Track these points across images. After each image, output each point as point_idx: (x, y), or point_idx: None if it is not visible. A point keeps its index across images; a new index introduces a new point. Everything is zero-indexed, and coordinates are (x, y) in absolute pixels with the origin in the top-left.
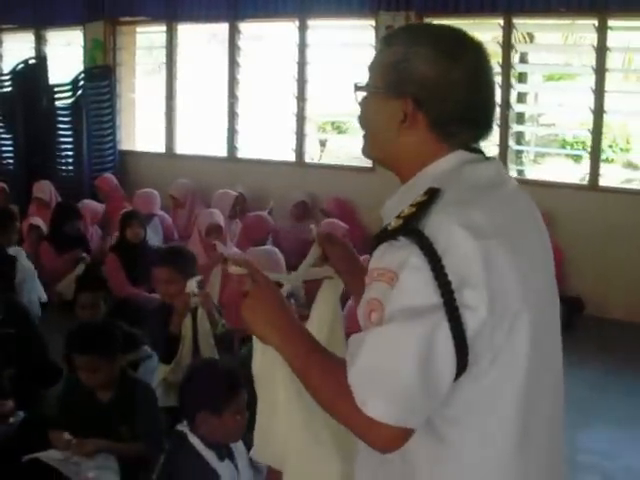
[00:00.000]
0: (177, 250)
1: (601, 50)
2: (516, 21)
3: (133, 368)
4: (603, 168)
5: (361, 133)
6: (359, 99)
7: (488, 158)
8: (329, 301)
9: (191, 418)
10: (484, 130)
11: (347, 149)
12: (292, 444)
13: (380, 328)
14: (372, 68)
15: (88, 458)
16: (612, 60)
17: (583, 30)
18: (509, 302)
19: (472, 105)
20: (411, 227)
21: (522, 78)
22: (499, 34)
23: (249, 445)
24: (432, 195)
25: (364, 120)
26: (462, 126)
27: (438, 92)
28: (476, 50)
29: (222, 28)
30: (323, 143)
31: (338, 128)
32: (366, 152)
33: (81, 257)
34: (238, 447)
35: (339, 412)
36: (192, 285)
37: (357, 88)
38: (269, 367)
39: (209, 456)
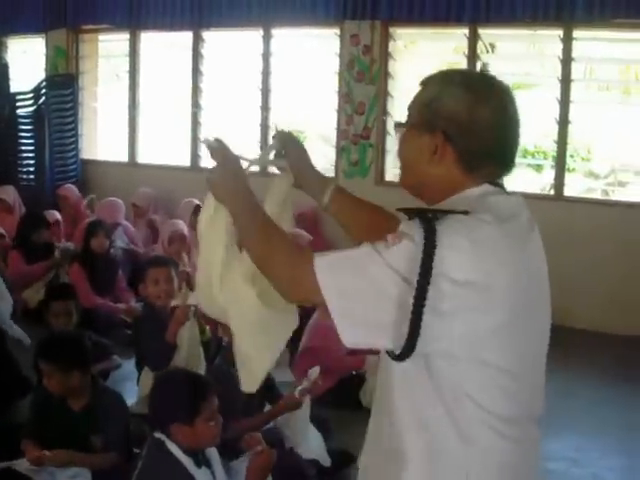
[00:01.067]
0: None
1: (566, 60)
2: (481, 31)
3: (103, 378)
4: (566, 178)
5: (316, 142)
6: (399, 135)
7: (509, 193)
8: (279, 193)
9: (165, 429)
10: (508, 167)
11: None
12: (232, 297)
13: (368, 250)
14: (410, 107)
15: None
16: (575, 70)
17: (548, 40)
18: (500, 319)
19: (497, 143)
20: (427, 218)
21: None
22: (463, 44)
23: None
24: (462, 212)
25: (402, 153)
26: (487, 161)
27: (465, 128)
28: (503, 92)
29: (186, 36)
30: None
31: (300, 134)
32: (402, 181)
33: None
34: (212, 453)
35: (280, 256)
36: (194, 296)
37: (397, 125)
38: (215, 227)
39: (187, 463)
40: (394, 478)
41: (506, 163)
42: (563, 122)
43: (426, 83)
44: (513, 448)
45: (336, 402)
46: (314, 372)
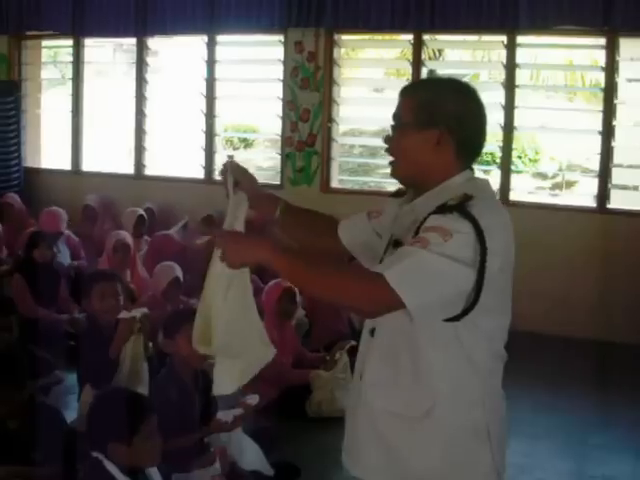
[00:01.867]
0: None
1: (510, 66)
2: (426, 38)
3: (44, 393)
4: (512, 179)
5: (263, 148)
6: (391, 135)
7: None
8: (239, 212)
9: (102, 449)
10: (480, 155)
11: (254, 162)
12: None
13: (431, 255)
14: (400, 111)
15: None
16: (522, 76)
17: (492, 47)
18: (508, 270)
19: (481, 134)
20: (464, 209)
21: None
22: (408, 51)
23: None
24: (469, 196)
25: (401, 148)
26: (473, 150)
27: (462, 122)
28: (476, 92)
29: (130, 42)
30: (230, 157)
31: (245, 142)
32: (397, 173)
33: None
34: (153, 473)
35: (355, 285)
36: (139, 311)
37: (393, 127)
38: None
39: None
40: (424, 416)
41: (480, 151)
42: (508, 127)
43: (411, 92)
44: (500, 366)
45: (281, 413)
46: (253, 399)
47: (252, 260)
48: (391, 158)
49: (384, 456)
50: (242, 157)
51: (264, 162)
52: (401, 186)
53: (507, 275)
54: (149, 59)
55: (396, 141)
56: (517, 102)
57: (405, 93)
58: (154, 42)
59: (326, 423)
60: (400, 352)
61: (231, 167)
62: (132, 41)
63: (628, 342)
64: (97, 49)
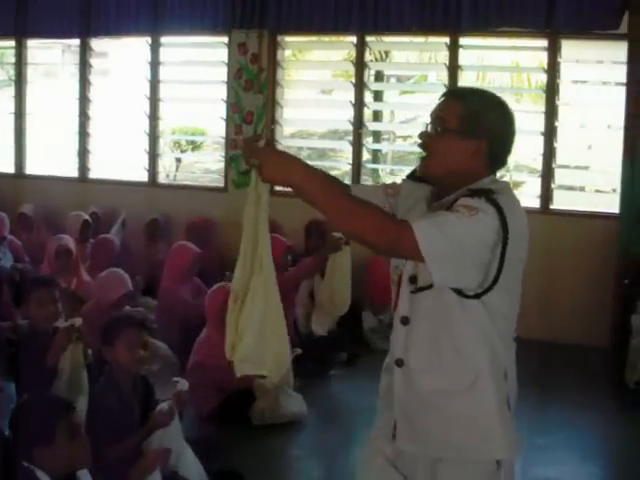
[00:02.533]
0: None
1: (453, 68)
2: (371, 39)
3: None
4: None
5: (211, 150)
6: (429, 133)
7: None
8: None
9: (29, 456)
10: (505, 164)
11: (201, 165)
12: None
13: (459, 218)
14: (444, 115)
15: None
16: (467, 78)
17: (439, 48)
18: (521, 257)
19: (511, 145)
20: (491, 197)
21: (378, 96)
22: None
23: None
24: (493, 191)
25: (440, 149)
26: (503, 158)
27: (501, 140)
28: (509, 107)
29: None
30: (179, 160)
31: (192, 144)
32: (429, 171)
33: None
34: (85, 476)
35: (378, 221)
36: (76, 321)
37: (434, 127)
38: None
39: None
40: (470, 387)
41: (506, 161)
42: None
43: (462, 97)
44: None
45: (224, 419)
46: (182, 384)
47: (286, 177)
48: (423, 153)
49: (424, 427)
50: (190, 160)
51: (212, 165)
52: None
53: (522, 268)
54: (93, 60)
55: (436, 142)
56: None
57: (453, 97)
58: (99, 43)
59: (270, 429)
60: (440, 335)
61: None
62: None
63: (572, 342)
64: (45, 50)
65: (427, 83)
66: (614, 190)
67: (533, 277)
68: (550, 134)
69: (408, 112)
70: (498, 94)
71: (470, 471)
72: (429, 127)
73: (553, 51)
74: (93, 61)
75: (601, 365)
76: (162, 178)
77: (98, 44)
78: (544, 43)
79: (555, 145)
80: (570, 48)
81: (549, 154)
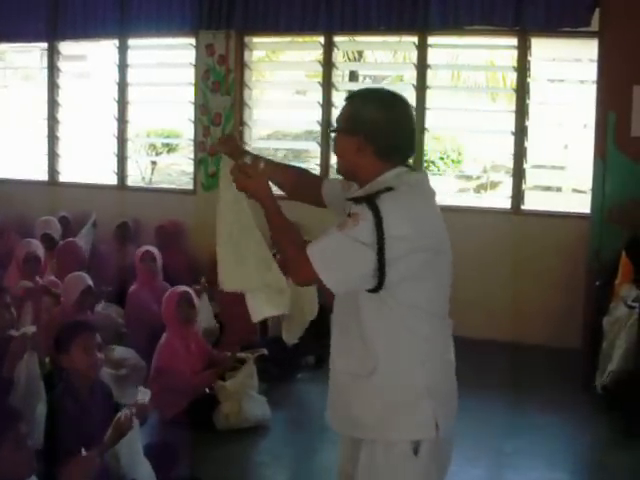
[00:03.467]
0: None
1: (421, 67)
2: (341, 39)
3: None
4: (433, 181)
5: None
6: (333, 137)
7: (417, 169)
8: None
9: None
10: (411, 152)
11: (177, 167)
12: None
13: (343, 236)
14: (339, 117)
15: None
16: (438, 77)
17: (407, 48)
18: (424, 247)
19: (403, 138)
20: (371, 200)
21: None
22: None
23: None
24: (389, 188)
25: (337, 151)
26: (397, 152)
27: (380, 131)
28: (403, 101)
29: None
30: (154, 163)
31: (168, 146)
32: (339, 170)
33: None
34: None
35: (292, 254)
36: (30, 329)
37: (331, 130)
38: (234, 213)
39: None
40: (370, 374)
41: (410, 151)
42: (419, 129)
43: (350, 99)
44: (442, 334)
45: (188, 424)
46: (143, 393)
47: (252, 191)
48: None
49: (344, 409)
50: (166, 162)
51: (188, 167)
52: None
53: (428, 254)
54: (61, 64)
55: (335, 143)
56: (435, 103)
57: (346, 100)
58: (67, 47)
59: (234, 434)
60: (350, 323)
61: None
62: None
63: (543, 344)
64: (25, 54)
65: (405, 83)
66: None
67: (504, 278)
68: (521, 133)
69: None
70: (400, 92)
71: (386, 451)
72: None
73: (523, 49)
74: (61, 65)
75: (572, 367)
76: (138, 181)
77: (66, 47)
78: (514, 41)
79: (526, 145)
80: (542, 46)
81: (520, 154)
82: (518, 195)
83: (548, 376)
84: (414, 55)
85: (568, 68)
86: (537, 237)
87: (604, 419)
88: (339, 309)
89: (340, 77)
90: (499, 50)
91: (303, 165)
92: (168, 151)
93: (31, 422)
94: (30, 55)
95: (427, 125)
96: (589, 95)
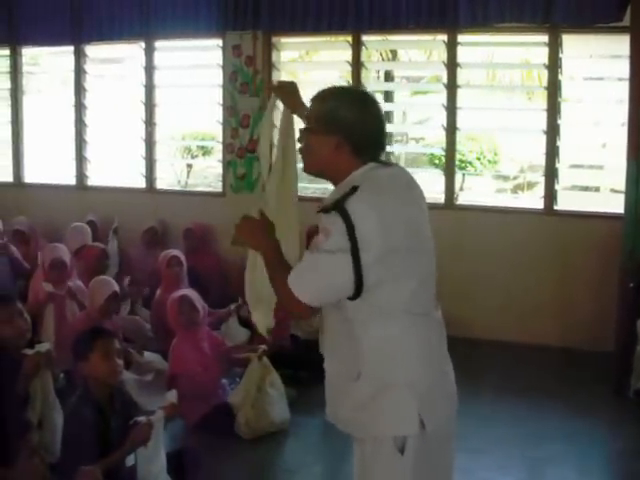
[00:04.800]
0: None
1: (451, 66)
2: (366, 38)
3: None
4: (471, 182)
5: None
6: (302, 137)
7: (390, 164)
8: (284, 122)
9: None
10: (382, 149)
11: (214, 170)
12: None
13: (315, 254)
14: (311, 116)
15: None
16: (471, 75)
17: (439, 46)
18: (396, 246)
19: (376, 135)
20: (339, 206)
21: (389, 97)
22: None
23: None
24: (354, 189)
25: (309, 149)
26: (370, 148)
27: (356, 130)
28: (375, 101)
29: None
30: (190, 166)
31: (203, 149)
32: (307, 168)
33: None
34: None
35: (282, 291)
36: (44, 346)
37: (304, 130)
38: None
39: None
40: (357, 377)
41: (382, 147)
42: (451, 128)
43: (322, 98)
44: (427, 331)
45: (212, 431)
46: (171, 395)
47: (253, 247)
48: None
49: (337, 408)
50: (202, 165)
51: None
52: None
53: (403, 254)
54: (88, 67)
55: (302, 140)
56: (467, 102)
57: (314, 100)
58: (92, 49)
59: (259, 440)
60: (336, 324)
61: (272, 89)
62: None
63: (574, 346)
64: (57, 57)
65: (438, 83)
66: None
67: (536, 280)
68: (553, 132)
69: (420, 113)
70: (372, 92)
71: (373, 449)
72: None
73: (554, 46)
74: (88, 67)
75: (604, 371)
76: (174, 184)
77: (93, 50)
78: (545, 38)
79: (558, 144)
80: (574, 43)
81: (552, 153)
82: (551, 195)
83: (579, 379)
84: (445, 54)
85: (601, 65)
86: (570, 238)
87: (637, 424)
88: (326, 314)
89: (375, 77)
90: (531, 47)
91: None
92: (203, 154)
93: (48, 435)
94: (61, 59)
95: (459, 125)
96: (625, 92)
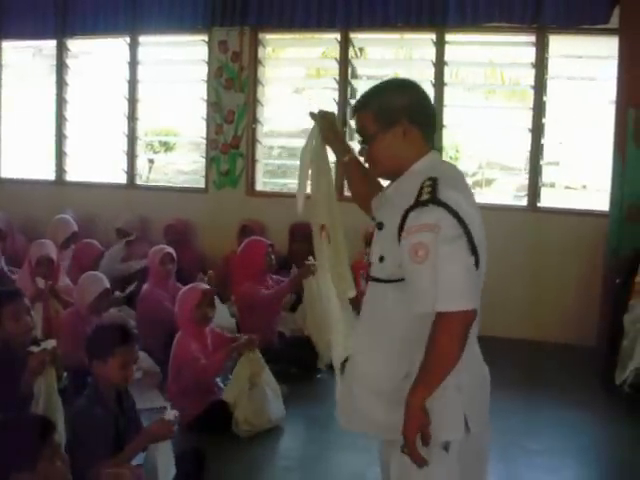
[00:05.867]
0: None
1: (439, 64)
2: (353, 36)
3: None
4: None
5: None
6: (364, 149)
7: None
8: (314, 138)
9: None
10: (435, 129)
11: (175, 166)
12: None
13: (432, 259)
14: (362, 130)
15: None
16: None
17: (417, 45)
18: (480, 239)
19: (430, 112)
20: (437, 199)
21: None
22: (332, 49)
23: None
24: (435, 180)
25: (376, 157)
26: (431, 126)
27: (415, 109)
28: (410, 80)
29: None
30: (151, 161)
31: (166, 145)
32: (377, 174)
33: None
34: None
35: (450, 343)
36: (49, 344)
37: (365, 147)
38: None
39: None
40: (404, 377)
41: (435, 127)
42: (438, 125)
43: (363, 105)
44: (473, 330)
45: (208, 429)
46: (169, 415)
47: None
48: (369, 165)
49: (384, 411)
50: (163, 161)
51: (186, 166)
52: None
53: (480, 246)
54: (70, 61)
55: (372, 151)
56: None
57: (357, 110)
58: (75, 44)
59: (255, 438)
60: (379, 323)
61: (313, 116)
62: (52, 45)
63: (559, 341)
64: (16, 54)
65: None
66: None
67: (521, 276)
68: (538, 131)
69: None
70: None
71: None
72: (361, 146)
73: (541, 47)
74: (70, 62)
75: (589, 365)
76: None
77: (75, 45)
78: (532, 39)
79: (543, 142)
80: (561, 43)
81: (536, 151)
82: (534, 193)
83: (566, 374)
84: (419, 52)
85: (586, 65)
86: (554, 235)
87: (627, 416)
88: (364, 310)
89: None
90: (512, 47)
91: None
92: (165, 150)
93: None
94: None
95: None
96: (608, 93)
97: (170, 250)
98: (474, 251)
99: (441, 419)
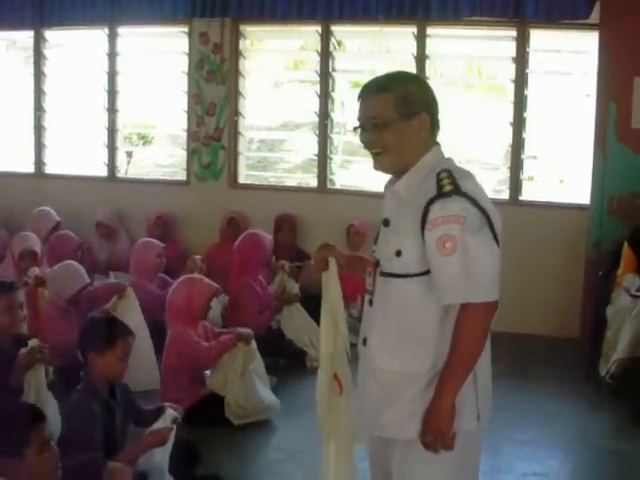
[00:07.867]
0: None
1: (420, 58)
2: (334, 28)
3: None
4: None
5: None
6: (370, 133)
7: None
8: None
9: None
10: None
11: (153, 160)
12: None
13: (461, 251)
14: (376, 112)
15: None
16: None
17: (396, 38)
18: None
19: (438, 108)
20: (459, 189)
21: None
22: (311, 41)
23: None
24: (450, 172)
25: (389, 144)
26: (439, 127)
27: (432, 104)
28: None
29: (25, 36)
30: (130, 154)
31: (144, 138)
32: (386, 165)
33: None
34: None
35: (479, 335)
36: (34, 342)
37: (373, 126)
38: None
39: None
40: (427, 372)
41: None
42: None
43: (384, 88)
44: None
45: (202, 419)
46: (169, 415)
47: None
48: (376, 150)
49: (397, 412)
50: (141, 155)
51: (164, 159)
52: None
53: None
54: (47, 52)
55: (384, 138)
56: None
57: (376, 92)
58: (53, 34)
59: (245, 429)
60: (400, 319)
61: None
62: (27, 37)
63: (542, 334)
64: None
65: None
66: None
67: (503, 270)
68: (519, 124)
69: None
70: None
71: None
72: (366, 129)
73: (522, 41)
74: (47, 52)
75: (571, 357)
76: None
77: (53, 35)
78: (513, 33)
79: (524, 136)
80: (543, 37)
81: (517, 145)
82: (516, 186)
83: (550, 365)
84: (398, 45)
85: (566, 60)
86: (536, 228)
87: (611, 406)
88: (381, 306)
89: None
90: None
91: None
92: (143, 143)
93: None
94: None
95: None
96: (588, 87)
97: (162, 244)
98: (496, 240)
99: (459, 410)
